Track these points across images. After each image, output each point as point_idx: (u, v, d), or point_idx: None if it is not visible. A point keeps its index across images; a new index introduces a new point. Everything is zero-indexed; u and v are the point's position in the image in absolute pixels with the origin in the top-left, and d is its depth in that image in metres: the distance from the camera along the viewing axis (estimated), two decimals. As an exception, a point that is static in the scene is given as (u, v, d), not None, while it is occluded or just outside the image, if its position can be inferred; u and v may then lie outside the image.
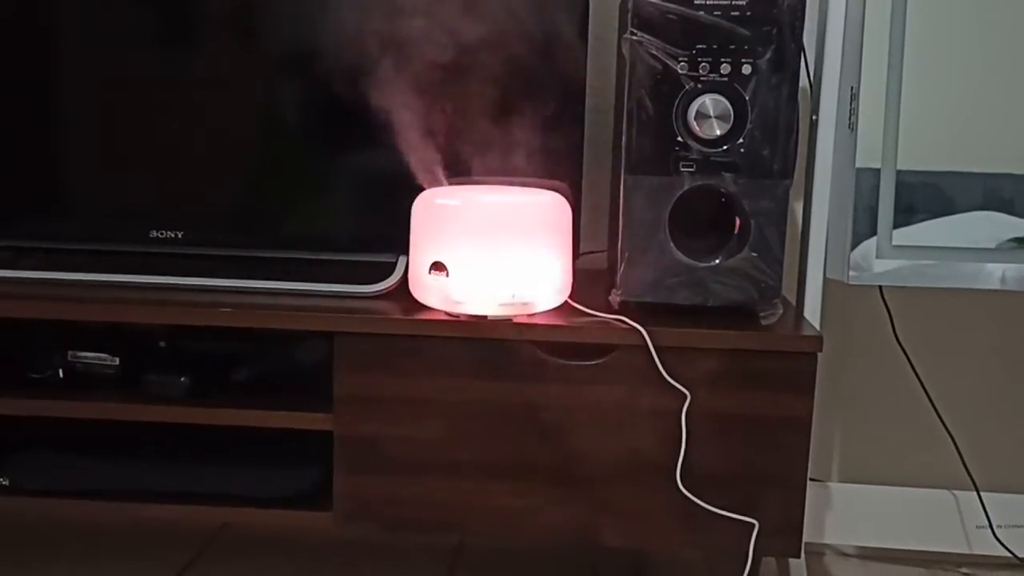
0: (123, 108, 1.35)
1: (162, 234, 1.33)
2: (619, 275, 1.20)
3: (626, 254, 1.19)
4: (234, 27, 1.34)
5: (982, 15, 1.22)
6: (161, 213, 1.34)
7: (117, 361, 1.28)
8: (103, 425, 1.25)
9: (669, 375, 1.15)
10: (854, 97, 1.23)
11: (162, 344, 1.31)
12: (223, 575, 1.43)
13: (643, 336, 1.15)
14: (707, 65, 1.15)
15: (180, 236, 1.33)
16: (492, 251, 1.15)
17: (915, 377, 1.47)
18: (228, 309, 1.20)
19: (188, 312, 1.22)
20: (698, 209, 1.18)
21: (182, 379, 1.24)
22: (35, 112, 1.36)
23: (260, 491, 1.24)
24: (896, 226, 1.24)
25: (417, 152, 1.23)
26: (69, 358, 1.28)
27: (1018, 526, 1.50)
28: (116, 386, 1.27)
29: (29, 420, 1.25)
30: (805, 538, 1.22)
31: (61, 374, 1.28)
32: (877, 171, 1.23)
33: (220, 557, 1.48)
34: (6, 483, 1.25)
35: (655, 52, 1.15)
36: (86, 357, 1.28)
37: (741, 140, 1.16)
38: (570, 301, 1.22)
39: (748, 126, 1.16)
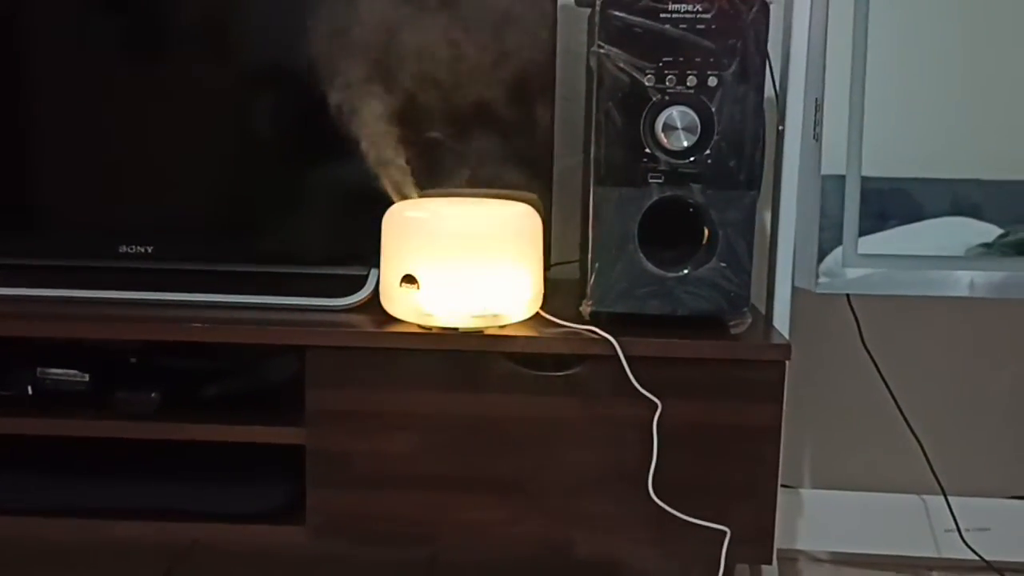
0: (91, 123, 1.34)
1: (131, 249, 1.32)
2: (590, 286, 1.21)
3: (596, 265, 1.20)
4: (204, 42, 1.34)
5: (944, 23, 1.24)
6: (130, 228, 1.33)
7: (87, 377, 1.27)
8: (73, 442, 1.24)
9: (640, 385, 1.16)
10: (818, 108, 1.24)
11: (132, 360, 1.30)
12: (196, 591, 1.42)
13: (614, 346, 1.16)
14: (674, 77, 1.16)
15: (150, 251, 1.32)
16: (462, 263, 1.15)
17: (883, 384, 1.49)
18: (199, 324, 1.20)
19: (158, 328, 1.21)
20: (667, 220, 1.19)
21: (153, 395, 1.24)
22: (1, 127, 1.35)
23: (232, 506, 1.24)
24: (866, 232, 1.25)
25: (387, 165, 1.23)
26: (38, 375, 1.27)
27: (985, 529, 1.52)
28: (86, 403, 1.26)
29: (-2, 438, 1.24)
30: (777, 544, 1.22)
31: (30, 391, 1.27)
32: (843, 179, 1.24)
33: (192, 574, 1.47)
34: (-26, 502, 1.24)
35: (622, 65, 1.16)
36: (55, 374, 1.27)
37: (708, 151, 1.17)
38: (541, 312, 1.23)
39: (715, 137, 1.17)
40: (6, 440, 1.25)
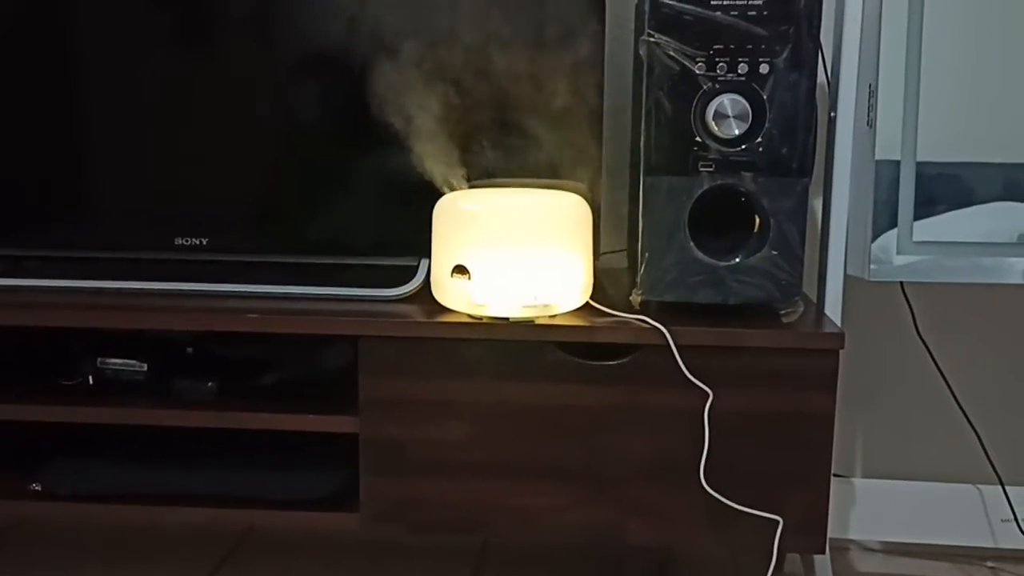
0: (146, 116, 1.36)
1: (187, 241, 1.34)
2: (640, 275, 1.20)
3: (646, 254, 1.20)
4: (255, 33, 1.35)
5: (996, 6, 1.22)
6: (186, 220, 1.35)
7: (145, 367, 1.30)
8: (133, 430, 1.27)
9: (691, 374, 1.16)
10: (872, 94, 1.23)
11: (189, 350, 1.33)
12: (252, 577, 1.45)
13: (665, 336, 1.16)
14: (725, 65, 1.15)
15: (205, 243, 1.34)
16: (513, 254, 1.16)
17: (938, 372, 1.47)
18: (254, 315, 1.22)
19: (214, 318, 1.23)
20: (718, 208, 1.18)
21: (209, 384, 1.26)
22: (59, 122, 1.37)
23: (287, 493, 1.26)
24: (915, 218, 1.23)
25: (437, 156, 1.24)
26: (99, 365, 1.30)
27: (1043, 520, 1.50)
28: (145, 392, 1.29)
29: (61, 426, 1.27)
30: (829, 534, 1.22)
31: (91, 381, 1.30)
32: (896, 164, 1.22)
33: (248, 559, 1.50)
34: (39, 488, 1.27)
35: (672, 53, 1.16)
36: (115, 363, 1.30)
37: (760, 139, 1.16)
38: (591, 302, 1.23)
39: (766, 125, 1.16)
40: (68, 428, 1.28)
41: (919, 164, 1.22)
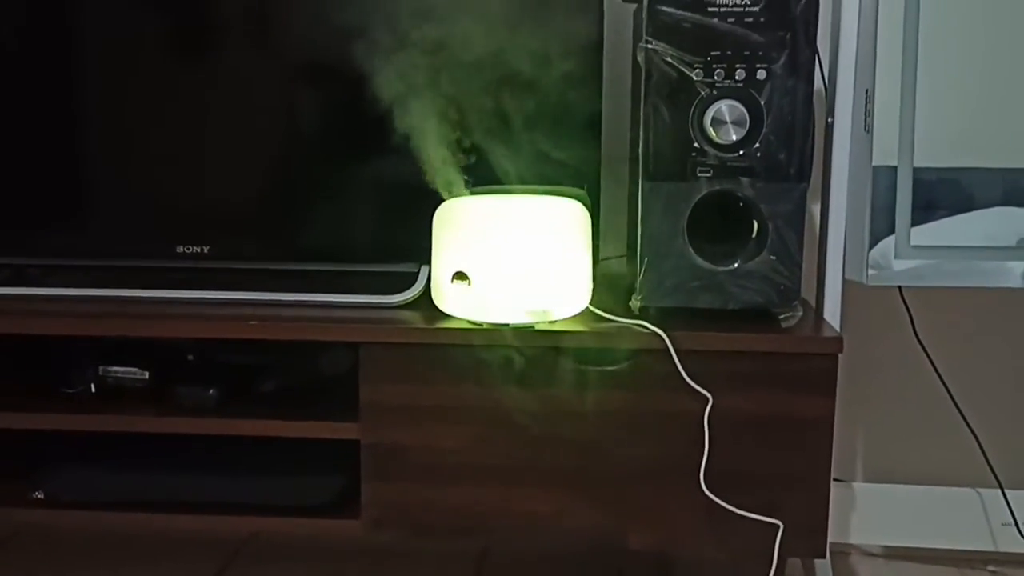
0: (147, 124, 1.37)
1: (188, 249, 1.35)
2: (639, 280, 1.21)
3: (645, 259, 1.20)
4: (256, 39, 1.36)
5: (995, 11, 1.23)
6: (187, 228, 1.36)
7: (147, 375, 1.30)
8: (135, 437, 1.27)
9: (691, 378, 1.16)
10: (869, 99, 1.23)
11: (191, 357, 1.33)
12: (254, 583, 1.45)
13: (664, 340, 1.16)
14: (722, 71, 1.16)
15: (206, 251, 1.35)
16: (512, 259, 1.16)
17: (936, 376, 1.47)
18: (255, 322, 1.22)
19: (216, 326, 1.24)
20: (716, 214, 1.19)
21: (211, 391, 1.26)
22: (60, 130, 1.38)
23: (289, 500, 1.26)
24: (915, 224, 1.24)
25: (437, 162, 1.24)
26: (101, 373, 1.30)
27: (1043, 523, 1.50)
28: (147, 399, 1.29)
29: (63, 434, 1.28)
30: (830, 538, 1.22)
31: (93, 388, 1.30)
32: (894, 169, 1.23)
33: (250, 565, 1.50)
34: (41, 496, 1.27)
35: (670, 60, 1.16)
36: (117, 371, 1.30)
37: (757, 144, 1.17)
38: (591, 307, 1.23)
39: (764, 130, 1.17)
40: (70, 436, 1.28)
41: (917, 169, 1.23)
